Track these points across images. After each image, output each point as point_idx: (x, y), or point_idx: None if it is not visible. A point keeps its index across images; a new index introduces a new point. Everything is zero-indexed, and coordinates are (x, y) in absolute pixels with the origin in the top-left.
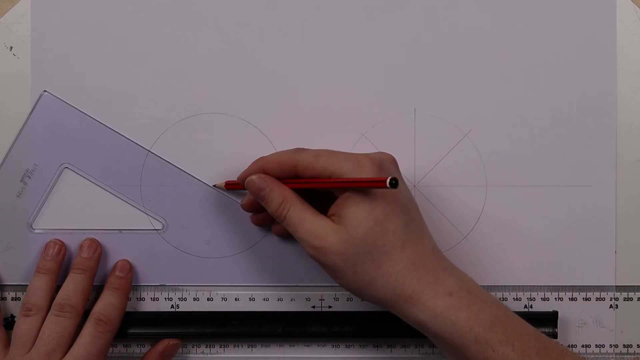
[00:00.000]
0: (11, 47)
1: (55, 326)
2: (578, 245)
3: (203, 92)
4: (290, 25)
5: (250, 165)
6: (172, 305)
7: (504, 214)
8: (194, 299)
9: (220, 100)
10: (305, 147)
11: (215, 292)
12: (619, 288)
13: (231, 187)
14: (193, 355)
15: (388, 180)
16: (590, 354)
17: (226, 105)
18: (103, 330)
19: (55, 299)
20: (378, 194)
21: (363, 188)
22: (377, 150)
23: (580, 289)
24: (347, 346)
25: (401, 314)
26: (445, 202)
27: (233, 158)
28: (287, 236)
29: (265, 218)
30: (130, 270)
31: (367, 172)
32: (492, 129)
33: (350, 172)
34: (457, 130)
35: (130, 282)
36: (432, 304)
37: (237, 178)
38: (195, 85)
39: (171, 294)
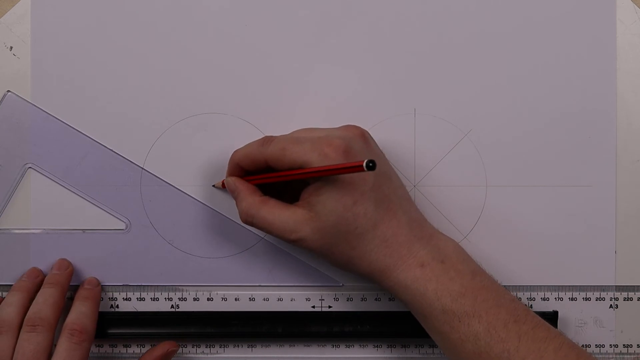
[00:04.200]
0: (11, 47)
1: (28, 344)
2: (578, 245)
3: (203, 92)
4: (290, 25)
5: (229, 162)
6: (172, 305)
7: (504, 214)
8: (194, 299)
9: (220, 100)
10: (273, 136)
11: (215, 292)
12: (619, 288)
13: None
14: (193, 355)
15: (365, 164)
16: (590, 354)
17: (226, 105)
18: (79, 341)
19: (26, 316)
20: (347, 178)
21: (340, 173)
22: None
23: (580, 289)
24: (347, 346)
25: (379, 285)
26: (445, 202)
27: None
28: None
29: None
30: (98, 284)
31: (332, 161)
32: (492, 129)
33: (317, 163)
34: (457, 130)
35: (100, 294)
36: (403, 277)
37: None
38: (195, 85)
39: (171, 294)
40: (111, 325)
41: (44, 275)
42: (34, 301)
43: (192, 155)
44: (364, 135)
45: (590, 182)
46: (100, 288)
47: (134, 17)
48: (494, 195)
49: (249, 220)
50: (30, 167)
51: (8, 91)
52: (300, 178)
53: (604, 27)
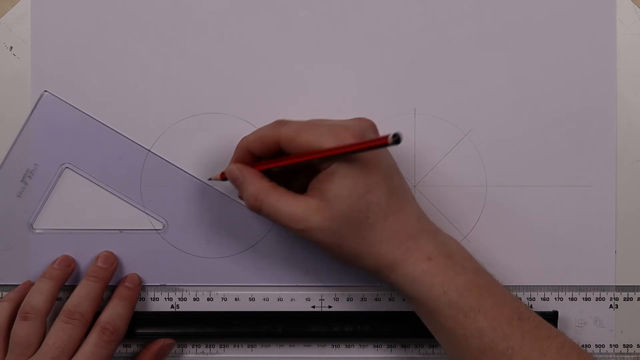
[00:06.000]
0: (11, 47)
1: (62, 333)
2: (578, 245)
3: (203, 92)
4: (290, 25)
5: (235, 150)
6: (172, 305)
7: (504, 214)
8: (194, 299)
9: (220, 100)
10: (287, 120)
11: (215, 292)
12: (619, 288)
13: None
14: (193, 355)
15: (390, 137)
16: (590, 354)
17: (226, 105)
18: (108, 340)
19: (65, 305)
20: (361, 166)
21: (364, 150)
22: None
23: (580, 289)
24: (347, 346)
25: (384, 280)
26: (445, 202)
27: None
28: None
29: None
30: (139, 284)
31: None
32: (492, 129)
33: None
34: (457, 130)
35: (138, 295)
36: (411, 270)
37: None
38: (195, 85)
39: (171, 294)
40: None
41: (75, 264)
42: (75, 292)
43: (191, 155)
44: (375, 127)
45: (590, 182)
46: (140, 288)
47: (134, 18)
48: (494, 195)
49: (257, 205)
50: (67, 167)
51: (45, 91)
52: (317, 159)
53: (604, 27)
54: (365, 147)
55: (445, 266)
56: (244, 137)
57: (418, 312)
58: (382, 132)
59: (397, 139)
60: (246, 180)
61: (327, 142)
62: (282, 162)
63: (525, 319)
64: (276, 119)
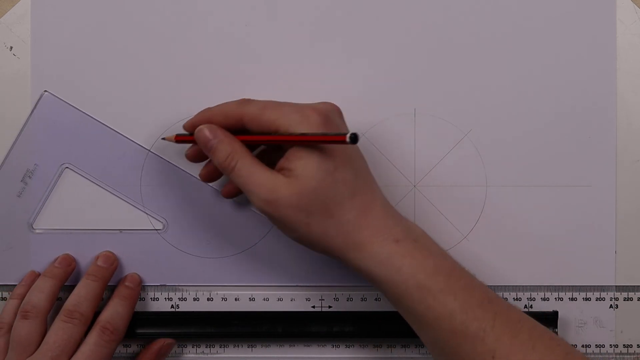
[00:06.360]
0: (11, 47)
1: (63, 333)
2: (578, 245)
3: (203, 92)
4: (290, 25)
5: (196, 115)
6: (172, 305)
7: (504, 214)
8: (194, 299)
9: (220, 100)
10: (252, 99)
11: (215, 292)
12: (619, 288)
13: (181, 139)
14: (193, 355)
15: (348, 136)
16: (590, 354)
17: None
18: (108, 340)
19: (65, 304)
20: (327, 146)
21: (323, 143)
22: (379, 151)
23: (580, 289)
24: (347, 346)
25: (351, 263)
26: (445, 202)
27: None
28: (238, 195)
29: (213, 172)
30: (139, 284)
31: (313, 124)
32: (492, 129)
33: (297, 124)
34: (457, 130)
35: (138, 295)
36: (378, 251)
37: (183, 126)
38: (195, 85)
39: (171, 294)
40: None
41: (75, 264)
42: (75, 291)
43: None
44: (340, 112)
45: (590, 182)
46: (140, 288)
47: (134, 18)
48: (494, 195)
49: (230, 166)
50: (67, 167)
51: (45, 91)
52: (281, 142)
53: (604, 27)
54: (324, 140)
55: (413, 249)
56: (208, 108)
57: (387, 297)
58: (383, 131)
59: (353, 139)
60: (221, 141)
61: (292, 119)
62: (244, 138)
63: (495, 302)
64: (242, 98)
